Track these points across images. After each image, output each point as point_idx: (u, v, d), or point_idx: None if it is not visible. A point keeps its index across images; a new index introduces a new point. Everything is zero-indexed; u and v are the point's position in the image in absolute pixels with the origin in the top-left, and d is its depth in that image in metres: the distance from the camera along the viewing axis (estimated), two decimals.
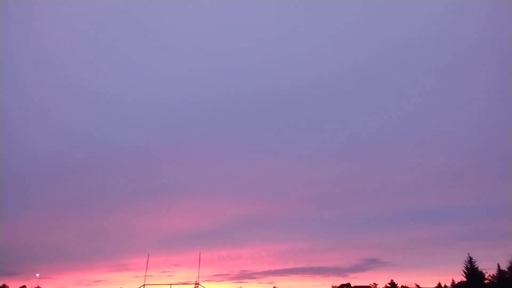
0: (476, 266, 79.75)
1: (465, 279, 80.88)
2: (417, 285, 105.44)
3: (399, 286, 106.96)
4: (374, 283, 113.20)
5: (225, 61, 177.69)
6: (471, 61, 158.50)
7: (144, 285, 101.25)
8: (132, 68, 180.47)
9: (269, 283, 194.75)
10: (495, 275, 79.68)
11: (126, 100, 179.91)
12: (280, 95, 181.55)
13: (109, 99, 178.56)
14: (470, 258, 79.98)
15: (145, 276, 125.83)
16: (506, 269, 76.80)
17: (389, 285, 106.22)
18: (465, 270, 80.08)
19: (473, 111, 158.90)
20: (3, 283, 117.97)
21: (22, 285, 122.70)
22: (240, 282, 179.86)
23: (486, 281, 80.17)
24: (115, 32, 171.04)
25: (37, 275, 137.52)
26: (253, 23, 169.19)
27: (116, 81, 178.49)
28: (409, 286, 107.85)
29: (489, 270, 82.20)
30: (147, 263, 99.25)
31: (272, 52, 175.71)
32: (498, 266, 79.23)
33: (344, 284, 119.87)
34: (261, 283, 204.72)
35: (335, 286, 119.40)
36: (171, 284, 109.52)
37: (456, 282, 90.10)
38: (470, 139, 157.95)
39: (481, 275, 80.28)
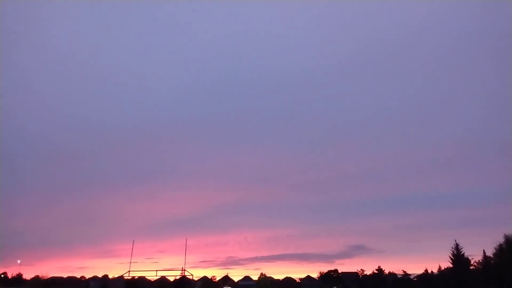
0: (462, 253, 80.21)
1: (451, 265, 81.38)
2: (404, 272, 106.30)
3: (386, 273, 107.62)
4: (361, 269, 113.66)
5: (221, 47, 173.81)
6: (467, 50, 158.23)
7: (129, 271, 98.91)
8: (131, 52, 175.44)
9: (256, 269, 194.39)
10: (481, 261, 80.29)
11: (121, 82, 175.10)
12: (270, 83, 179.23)
13: (106, 81, 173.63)
14: (457, 245, 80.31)
15: (130, 262, 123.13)
16: (491, 255, 77.29)
17: (377, 271, 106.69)
18: (452, 257, 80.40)
19: (464, 101, 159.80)
20: None
21: (2, 272, 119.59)
22: (227, 269, 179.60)
23: (471, 267, 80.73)
24: (114, 16, 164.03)
25: (18, 261, 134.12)
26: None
27: (114, 65, 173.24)
28: (396, 273, 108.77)
29: (475, 256, 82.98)
30: (132, 249, 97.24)
31: (265, 40, 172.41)
32: (484, 253, 79.78)
33: (331, 270, 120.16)
34: (248, 269, 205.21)
35: (323, 272, 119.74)
36: (157, 271, 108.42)
37: (443, 268, 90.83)
38: (457, 128, 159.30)
39: (467, 261, 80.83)
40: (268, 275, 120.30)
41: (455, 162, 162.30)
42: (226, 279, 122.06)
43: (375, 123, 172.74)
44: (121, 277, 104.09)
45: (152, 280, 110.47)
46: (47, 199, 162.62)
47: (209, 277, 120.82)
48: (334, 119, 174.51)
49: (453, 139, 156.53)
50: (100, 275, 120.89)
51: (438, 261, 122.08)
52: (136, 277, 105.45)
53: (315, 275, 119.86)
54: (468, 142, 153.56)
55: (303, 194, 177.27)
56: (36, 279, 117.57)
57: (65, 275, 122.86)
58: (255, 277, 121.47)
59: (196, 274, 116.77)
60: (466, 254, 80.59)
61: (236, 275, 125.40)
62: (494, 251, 76.03)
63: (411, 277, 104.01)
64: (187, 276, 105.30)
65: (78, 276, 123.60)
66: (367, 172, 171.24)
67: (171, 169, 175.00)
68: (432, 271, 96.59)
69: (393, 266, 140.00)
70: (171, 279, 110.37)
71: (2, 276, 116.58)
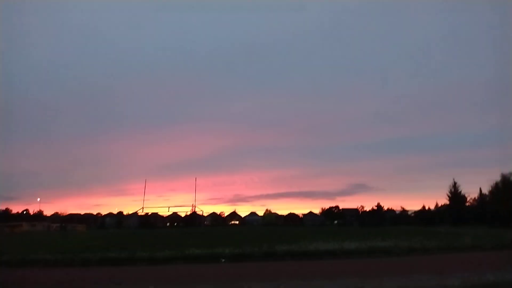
0: (459, 191, 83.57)
1: (448, 202, 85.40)
2: (403, 208, 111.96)
3: (385, 209, 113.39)
4: (361, 206, 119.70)
5: None
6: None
7: (142, 208, 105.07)
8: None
9: (262, 205, 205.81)
10: (477, 198, 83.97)
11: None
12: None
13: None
14: (455, 183, 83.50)
15: (144, 200, 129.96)
16: (487, 193, 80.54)
17: (376, 208, 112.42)
18: (449, 194, 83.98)
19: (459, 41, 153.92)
20: (5, 207, 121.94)
21: (24, 209, 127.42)
22: (234, 205, 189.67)
23: (467, 204, 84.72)
24: None
25: (38, 199, 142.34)
26: None
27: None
28: (394, 209, 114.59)
29: (471, 193, 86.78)
30: (145, 188, 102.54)
31: None
32: (480, 190, 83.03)
33: (333, 207, 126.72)
34: (254, 205, 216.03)
35: (324, 209, 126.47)
36: (169, 207, 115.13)
37: (440, 205, 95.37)
38: (456, 69, 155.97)
39: (463, 198, 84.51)
40: (272, 211, 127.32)
41: (455, 105, 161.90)
42: (233, 214, 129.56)
43: (377, 65, 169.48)
44: (135, 213, 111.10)
45: (164, 216, 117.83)
46: (63, 142, 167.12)
47: (218, 213, 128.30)
48: (336, 62, 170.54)
49: (453, 81, 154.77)
50: (115, 212, 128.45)
51: (435, 199, 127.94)
52: (149, 213, 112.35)
53: (317, 211, 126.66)
54: (466, 85, 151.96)
55: (307, 137, 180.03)
56: (56, 215, 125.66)
57: (82, 212, 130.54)
58: (260, 213, 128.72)
59: (205, 210, 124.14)
60: (462, 192, 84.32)
61: (243, 211, 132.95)
62: (490, 189, 79.04)
63: (409, 213, 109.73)
64: (198, 212, 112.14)
65: (95, 213, 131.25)
66: (369, 114, 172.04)
67: (182, 113, 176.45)
68: (429, 208, 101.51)
69: (392, 203, 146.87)
70: (182, 215, 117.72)
71: (24, 212, 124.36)
